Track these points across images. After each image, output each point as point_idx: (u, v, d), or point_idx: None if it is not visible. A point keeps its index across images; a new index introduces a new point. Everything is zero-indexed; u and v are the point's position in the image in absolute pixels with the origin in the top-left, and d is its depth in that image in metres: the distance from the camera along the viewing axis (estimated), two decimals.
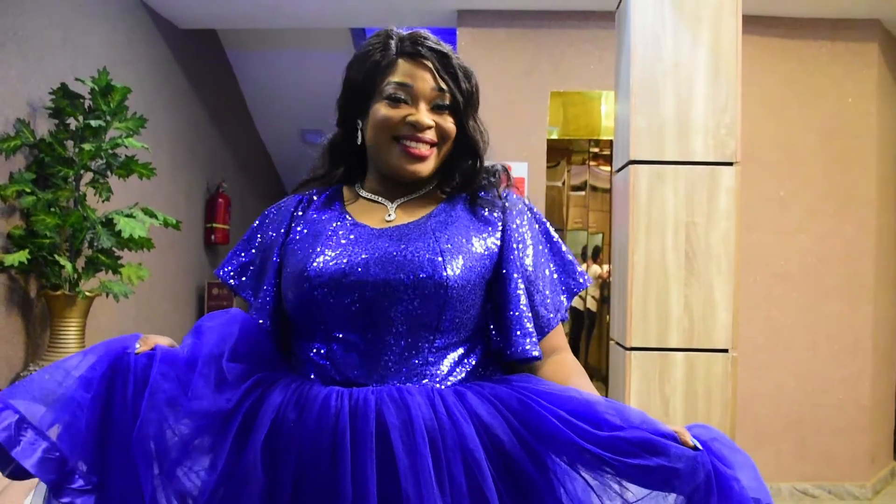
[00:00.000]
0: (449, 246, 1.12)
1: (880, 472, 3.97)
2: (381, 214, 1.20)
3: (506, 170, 1.28)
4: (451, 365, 1.12)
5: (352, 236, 1.14)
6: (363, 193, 1.24)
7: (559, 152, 4.68)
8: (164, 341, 1.12)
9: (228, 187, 4.97)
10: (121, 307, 3.37)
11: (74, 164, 2.88)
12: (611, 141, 4.60)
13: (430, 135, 1.17)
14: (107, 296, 3.00)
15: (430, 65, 1.16)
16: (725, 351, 2.23)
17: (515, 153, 3.88)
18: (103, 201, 3.03)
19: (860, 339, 3.85)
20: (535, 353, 1.12)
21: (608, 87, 3.92)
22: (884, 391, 4.04)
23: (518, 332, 1.13)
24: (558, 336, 1.20)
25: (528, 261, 1.18)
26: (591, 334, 5.14)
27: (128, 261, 3.10)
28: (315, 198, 1.26)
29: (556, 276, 1.21)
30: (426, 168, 1.18)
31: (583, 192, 4.92)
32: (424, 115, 1.16)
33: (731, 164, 2.23)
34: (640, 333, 2.24)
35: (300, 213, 1.24)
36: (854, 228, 3.85)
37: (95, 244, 2.95)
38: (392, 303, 1.08)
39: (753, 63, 3.52)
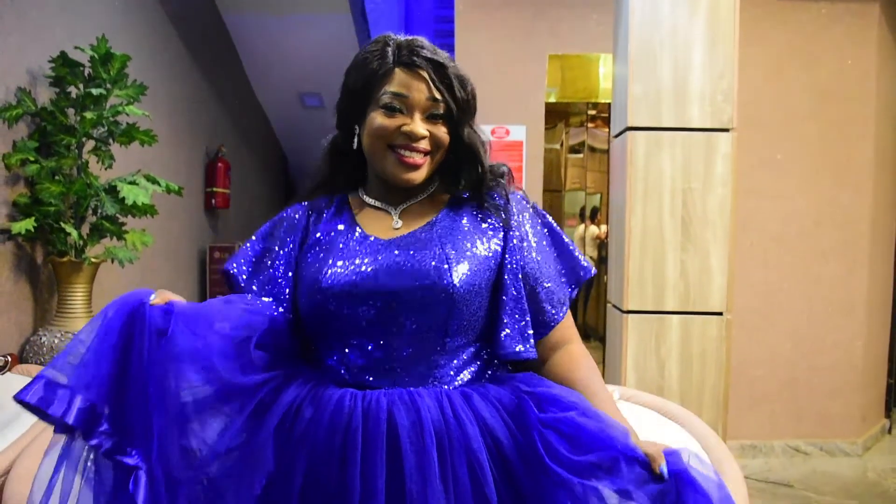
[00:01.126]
0: (454, 252, 1.16)
1: (871, 430, 4.06)
2: (387, 222, 1.25)
3: (510, 170, 1.31)
4: (459, 366, 1.17)
5: (361, 248, 1.19)
6: (368, 200, 1.29)
7: (557, 115, 4.68)
8: (177, 298, 1.16)
9: (228, 152, 4.96)
10: (125, 272, 3.41)
11: (76, 133, 2.89)
12: (609, 104, 4.63)
13: (424, 144, 1.21)
14: (112, 261, 3.03)
15: (425, 75, 1.20)
16: (720, 314, 2.27)
17: (513, 116, 3.89)
18: (106, 168, 3.04)
19: (855, 301, 3.90)
20: (525, 353, 1.18)
21: (606, 50, 3.90)
22: (877, 352, 4.11)
23: (505, 333, 1.18)
24: (566, 328, 1.25)
25: (532, 256, 1.22)
26: (588, 295, 5.20)
27: (132, 227, 3.13)
28: (325, 209, 1.30)
29: (560, 268, 1.26)
30: (419, 176, 1.23)
31: (581, 154, 4.94)
32: (419, 126, 1.20)
33: (727, 130, 2.25)
34: (636, 297, 2.28)
35: (313, 225, 1.28)
36: (851, 192, 3.87)
37: (100, 211, 2.97)
38: (402, 310, 1.13)
39: (751, 25, 3.50)
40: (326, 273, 1.15)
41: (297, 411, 1.08)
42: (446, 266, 1.14)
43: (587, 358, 1.23)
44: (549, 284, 1.23)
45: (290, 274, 1.23)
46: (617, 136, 2.45)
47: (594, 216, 5.08)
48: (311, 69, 5.41)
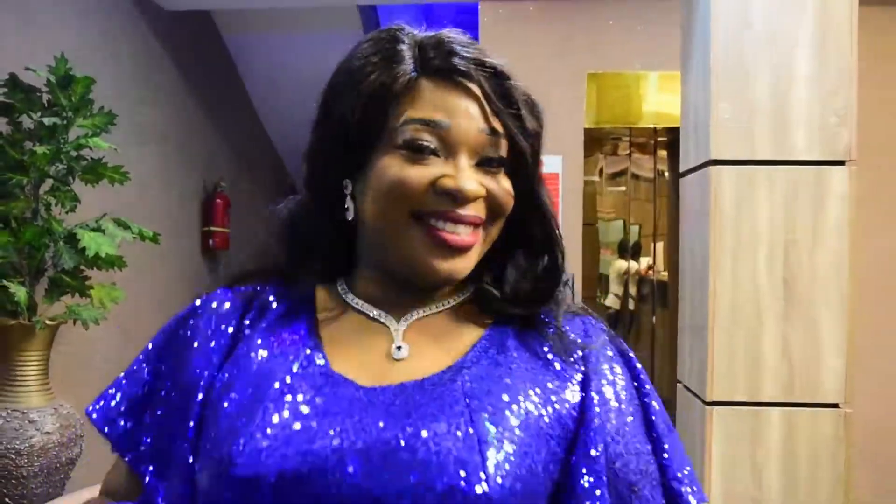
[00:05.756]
0: (493, 428, 0.62)
1: None
2: (380, 347, 0.71)
3: (571, 276, 0.79)
4: None
5: (319, 399, 0.65)
6: (352, 301, 0.75)
7: (594, 143, 4.27)
8: None
9: (228, 186, 4.54)
10: (100, 331, 2.93)
11: (30, 170, 2.44)
12: (653, 129, 4.22)
13: (477, 209, 0.70)
14: (74, 322, 2.57)
15: (476, 90, 0.70)
16: (836, 406, 1.75)
17: (548, 145, 3.39)
18: (67, 212, 2.59)
19: None
20: None
21: (651, 67, 3.45)
22: None
23: None
24: None
25: (627, 441, 0.67)
26: (627, 338, 4.79)
27: (99, 281, 2.66)
28: (271, 303, 0.76)
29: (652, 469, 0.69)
30: (466, 265, 0.71)
31: (622, 179, 4.54)
32: (468, 178, 0.69)
33: (843, 162, 1.74)
34: (724, 384, 1.76)
35: (244, 332, 0.74)
36: None
37: (58, 263, 2.52)
38: None
39: (864, 33, 3.03)
40: (243, 445, 0.62)
41: None
42: (479, 457, 0.60)
43: None
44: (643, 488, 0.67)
45: (192, 419, 0.69)
46: (688, 172, 1.94)
47: (637, 252, 4.72)
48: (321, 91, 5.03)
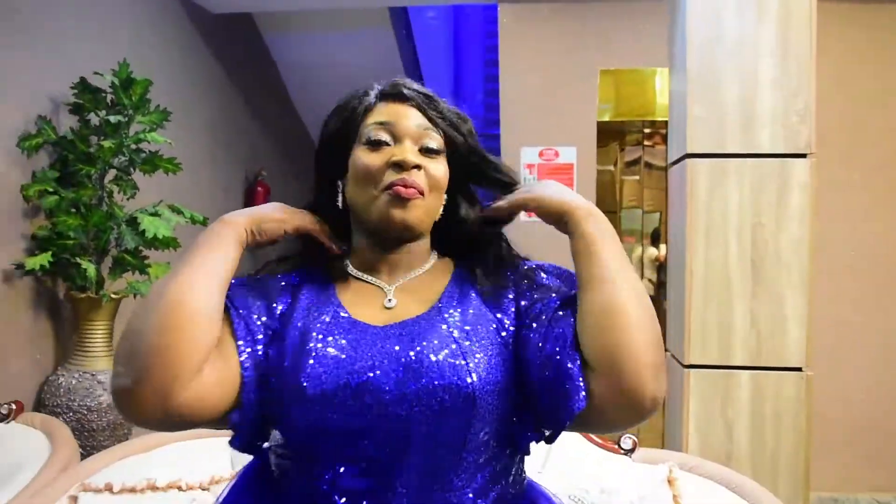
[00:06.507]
0: (468, 340, 0.91)
1: None
2: (378, 300, 1.00)
3: (504, 234, 1.10)
4: (479, 489, 0.91)
5: (351, 337, 0.92)
6: (353, 272, 1.04)
7: (611, 134, 4.43)
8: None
9: (268, 175, 4.83)
10: None
11: (97, 162, 2.75)
12: (667, 121, 4.38)
13: (419, 178, 0.97)
14: (134, 296, 2.88)
15: (414, 104, 1.01)
16: (799, 369, 1.96)
17: (563, 137, 3.62)
18: (129, 199, 2.90)
19: None
20: (582, 403, 0.86)
21: (663, 64, 3.62)
22: None
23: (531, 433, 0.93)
24: None
25: (538, 296, 0.97)
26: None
27: (156, 260, 2.98)
28: (297, 282, 1.03)
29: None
30: (413, 216, 0.97)
31: (637, 173, 4.67)
32: (408, 153, 0.97)
33: (804, 155, 1.95)
34: (699, 349, 1.99)
35: (288, 299, 1.01)
36: None
37: (121, 244, 2.83)
38: (406, 422, 0.87)
39: (822, 32, 3.17)
40: (305, 371, 0.88)
41: None
42: (462, 361, 0.88)
43: None
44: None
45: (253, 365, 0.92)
46: (674, 163, 2.16)
47: (655, 237, 4.82)
48: (356, 86, 5.26)
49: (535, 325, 0.92)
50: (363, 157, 0.98)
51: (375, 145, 0.99)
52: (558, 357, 0.86)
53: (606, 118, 4.05)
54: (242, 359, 0.90)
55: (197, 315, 0.85)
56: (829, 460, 3.39)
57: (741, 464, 1.95)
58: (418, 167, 0.97)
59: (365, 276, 1.03)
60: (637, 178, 4.51)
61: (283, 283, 1.02)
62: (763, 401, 1.98)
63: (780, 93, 1.94)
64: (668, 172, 2.24)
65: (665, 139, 4.48)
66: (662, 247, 4.73)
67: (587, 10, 3.66)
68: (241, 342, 0.91)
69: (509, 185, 1.06)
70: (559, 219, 0.96)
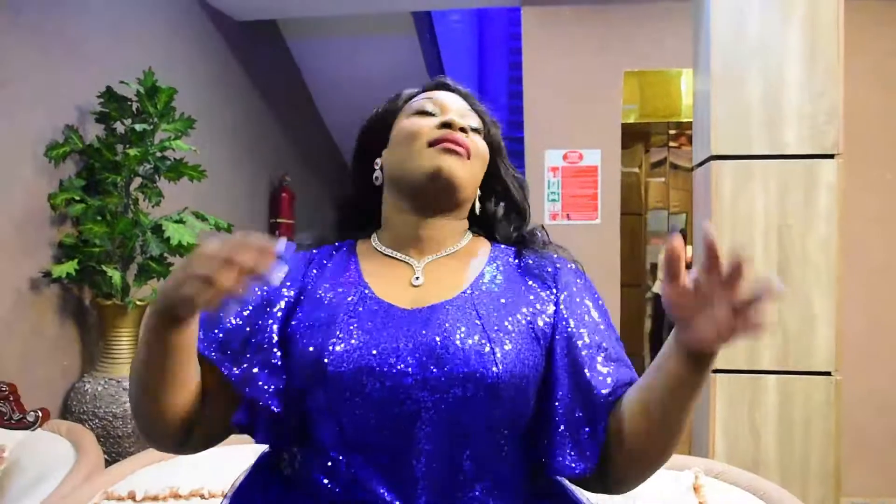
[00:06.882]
0: (497, 329, 0.89)
1: None
2: (405, 278, 0.98)
3: (543, 228, 1.09)
4: (497, 481, 0.89)
5: (371, 321, 0.91)
6: (382, 248, 1.03)
7: (636, 136, 4.39)
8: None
9: (292, 181, 4.86)
10: None
11: (122, 170, 2.79)
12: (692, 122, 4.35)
13: (466, 140, 0.99)
14: None
15: (459, 94, 1.07)
16: (828, 374, 1.92)
17: (587, 139, 3.59)
18: (154, 206, 2.93)
19: None
20: (582, 471, 0.89)
21: (688, 65, 3.59)
22: None
23: (556, 445, 0.90)
24: None
25: (587, 332, 0.95)
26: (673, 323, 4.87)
27: None
28: (325, 260, 1.03)
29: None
30: (462, 170, 0.98)
31: (662, 175, 4.63)
32: (458, 117, 1.00)
33: (831, 156, 1.91)
34: (725, 353, 1.95)
35: (313, 272, 1.01)
36: None
37: (146, 251, 2.86)
38: (425, 406, 0.85)
39: (853, 30, 3.12)
40: (330, 351, 0.87)
41: None
42: (488, 349, 0.87)
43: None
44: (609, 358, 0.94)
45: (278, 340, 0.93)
46: (698, 165, 2.13)
47: (682, 238, 4.75)
48: (380, 91, 5.26)
49: (575, 351, 0.93)
50: (410, 123, 1.01)
51: (423, 114, 1.01)
52: (584, 411, 0.91)
53: (631, 120, 4.03)
54: (237, 373, 0.93)
55: (159, 411, 0.89)
56: (861, 466, 3.31)
57: (769, 470, 1.91)
58: (464, 131, 0.99)
59: (393, 253, 1.01)
60: (663, 179, 4.48)
61: (303, 263, 1.03)
62: (791, 406, 1.94)
63: (807, 93, 1.90)
64: (693, 174, 2.21)
65: (691, 140, 4.46)
66: (689, 248, 4.69)
67: (611, 12, 3.63)
68: (236, 369, 0.93)
69: (519, 207, 1.08)
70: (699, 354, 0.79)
